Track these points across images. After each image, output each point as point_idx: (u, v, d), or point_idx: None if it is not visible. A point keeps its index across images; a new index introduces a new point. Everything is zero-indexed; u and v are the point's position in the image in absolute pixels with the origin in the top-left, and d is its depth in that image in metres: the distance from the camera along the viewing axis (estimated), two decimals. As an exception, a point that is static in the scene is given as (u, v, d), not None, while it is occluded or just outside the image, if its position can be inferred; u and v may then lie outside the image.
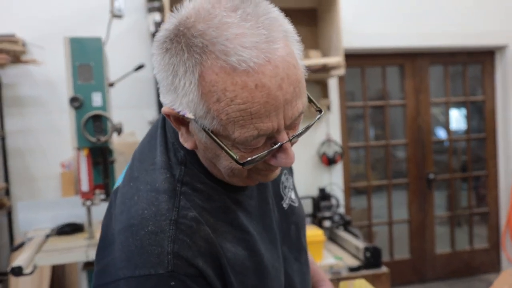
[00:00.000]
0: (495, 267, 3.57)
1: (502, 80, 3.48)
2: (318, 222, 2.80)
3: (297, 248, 0.83)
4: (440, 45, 3.27)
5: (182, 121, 0.64)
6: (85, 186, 1.88)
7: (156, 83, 0.74)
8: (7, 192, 2.57)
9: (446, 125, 3.56)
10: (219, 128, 0.59)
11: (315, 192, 2.99)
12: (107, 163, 1.98)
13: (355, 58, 3.17)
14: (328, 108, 3.05)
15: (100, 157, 1.98)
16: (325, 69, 2.71)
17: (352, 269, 2.24)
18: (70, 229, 2.12)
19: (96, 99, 1.89)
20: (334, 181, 3.10)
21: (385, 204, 3.41)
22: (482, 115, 3.61)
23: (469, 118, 3.61)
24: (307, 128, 0.65)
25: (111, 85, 2.16)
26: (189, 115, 0.60)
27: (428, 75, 3.42)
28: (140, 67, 2.29)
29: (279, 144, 0.61)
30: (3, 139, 2.57)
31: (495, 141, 3.56)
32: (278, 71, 0.56)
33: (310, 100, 0.67)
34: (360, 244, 2.40)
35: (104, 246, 0.68)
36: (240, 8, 0.57)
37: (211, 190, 0.70)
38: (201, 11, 0.58)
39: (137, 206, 0.65)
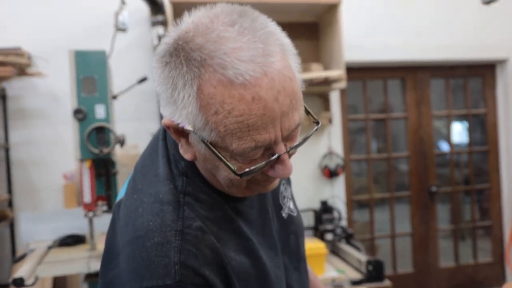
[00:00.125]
0: (499, 281, 3.53)
1: (504, 93, 3.49)
2: (320, 235, 2.79)
3: (296, 257, 0.84)
4: (440, 59, 3.29)
5: (181, 132, 0.66)
6: (87, 198, 1.90)
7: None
8: (10, 203, 2.58)
9: (448, 138, 3.56)
10: (217, 139, 0.60)
11: (317, 205, 2.98)
12: (109, 175, 1.99)
13: (356, 72, 3.19)
14: (330, 121, 3.06)
15: (102, 169, 1.99)
16: (327, 82, 2.73)
17: (355, 283, 2.23)
18: (72, 240, 2.13)
19: (100, 111, 1.92)
20: (336, 194, 3.10)
21: (387, 218, 3.40)
22: (484, 128, 3.61)
23: (471, 131, 3.61)
24: (305, 139, 0.66)
25: (115, 97, 2.19)
26: (188, 127, 0.61)
27: (429, 88, 3.43)
28: (143, 79, 2.32)
29: (276, 155, 0.63)
30: (7, 150, 2.59)
31: (498, 154, 3.56)
32: (275, 83, 0.58)
33: (307, 112, 0.69)
34: (363, 257, 2.39)
35: (109, 259, 0.69)
36: (237, 23, 0.59)
37: (213, 200, 0.71)
38: (199, 25, 0.60)
39: (142, 218, 0.66)
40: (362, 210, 3.42)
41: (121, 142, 1.98)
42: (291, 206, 0.88)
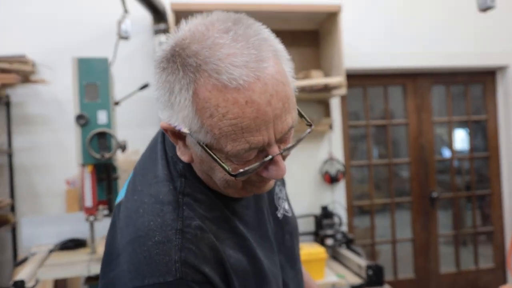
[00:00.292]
0: (501, 287, 3.52)
1: (504, 99, 3.51)
2: (320, 240, 2.80)
3: (291, 256, 0.86)
4: (441, 65, 3.31)
5: (179, 135, 0.68)
6: (88, 202, 1.92)
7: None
8: (12, 208, 2.61)
9: (449, 144, 3.57)
10: (212, 141, 0.63)
11: (317, 210, 2.99)
12: (111, 180, 2.01)
13: (357, 78, 3.22)
14: (330, 127, 3.08)
15: (104, 174, 2.01)
16: (327, 88, 2.75)
17: (354, 287, 2.24)
18: (73, 244, 2.14)
19: (102, 117, 1.94)
20: (337, 199, 3.11)
21: (388, 224, 3.40)
22: (484, 134, 3.62)
23: (472, 137, 3.62)
24: (298, 141, 0.69)
25: (117, 103, 2.21)
26: (185, 129, 0.64)
27: (430, 95, 3.45)
28: (144, 86, 2.35)
29: (270, 156, 0.65)
30: (10, 156, 2.62)
31: (499, 160, 3.56)
32: (267, 88, 0.60)
33: (301, 115, 0.71)
34: (363, 262, 2.40)
35: (109, 259, 0.70)
36: (232, 30, 0.61)
37: (210, 200, 0.73)
38: (196, 33, 0.62)
39: (143, 218, 0.68)
40: (363, 216, 3.43)
41: (123, 148, 2.01)
42: (286, 207, 0.90)
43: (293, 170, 2.96)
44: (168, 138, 0.75)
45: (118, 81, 2.41)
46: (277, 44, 0.66)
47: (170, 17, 2.53)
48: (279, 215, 0.86)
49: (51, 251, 2.11)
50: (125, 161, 2.46)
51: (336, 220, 2.88)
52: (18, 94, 2.66)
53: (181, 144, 0.70)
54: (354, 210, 3.34)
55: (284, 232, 0.86)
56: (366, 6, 3.17)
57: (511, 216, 3.48)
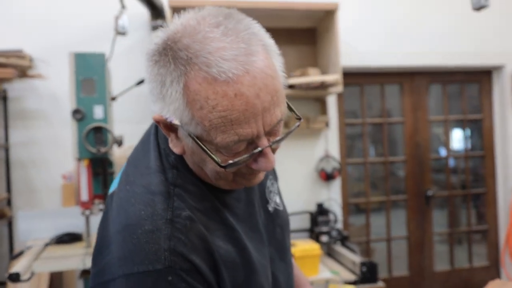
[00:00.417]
0: (495, 286, 3.54)
1: (500, 99, 3.53)
2: (315, 237, 2.82)
3: (282, 249, 0.87)
4: (438, 64, 3.33)
5: (170, 127, 0.69)
6: (84, 196, 1.93)
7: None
8: (9, 202, 2.62)
9: (446, 143, 3.59)
10: (203, 133, 0.64)
11: (313, 207, 3.01)
12: (106, 174, 2.03)
13: (354, 77, 3.23)
14: (327, 124, 3.10)
15: (100, 168, 2.03)
16: (324, 86, 2.77)
17: (348, 283, 2.25)
18: (68, 238, 2.16)
19: (98, 111, 1.95)
20: (332, 196, 3.13)
21: (384, 221, 3.42)
22: (480, 133, 3.64)
23: (467, 136, 3.64)
24: (287, 134, 0.70)
25: (113, 99, 2.22)
26: (176, 121, 0.65)
27: (427, 94, 3.47)
28: (141, 81, 2.36)
29: (259, 149, 0.66)
30: (7, 150, 2.63)
31: (494, 159, 3.59)
32: (256, 81, 0.61)
33: (290, 109, 0.72)
34: (357, 258, 2.42)
35: (101, 248, 0.71)
36: (222, 25, 0.63)
37: (201, 192, 0.74)
38: (187, 27, 0.63)
39: (134, 208, 0.69)
40: (359, 214, 3.44)
41: (119, 143, 2.02)
42: (278, 200, 0.91)
43: (289, 167, 2.98)
44: (160, 130, 0.77)
45: (116, 76, 2.42)
46: (267, 39, 0.67)
47: (168, 13, 2.54)
48: (270, 208, 0.88)
49: (46, 245, 2.12)
50: (122, 156, 2.47)
51: (331, 217, 2.89)
52: (15, 88, 2.67)
53: (173, 136, 0.71)
54: (350, 208, 3.35)
55: (275, 225, 0.87)
56: (363, 4, 3.18)
57: (505, 214, 3.50)
